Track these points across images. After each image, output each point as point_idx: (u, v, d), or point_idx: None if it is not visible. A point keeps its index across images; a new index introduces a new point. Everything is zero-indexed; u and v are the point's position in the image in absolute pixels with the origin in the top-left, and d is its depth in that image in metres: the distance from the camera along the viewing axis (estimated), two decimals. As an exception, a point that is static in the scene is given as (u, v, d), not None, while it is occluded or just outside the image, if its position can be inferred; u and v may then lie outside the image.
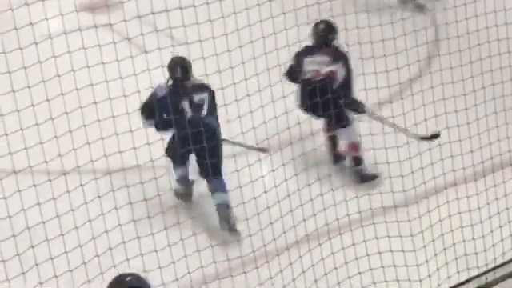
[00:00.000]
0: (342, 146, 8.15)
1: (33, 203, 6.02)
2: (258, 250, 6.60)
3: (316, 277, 6.60)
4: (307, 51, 8.06)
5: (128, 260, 6.19)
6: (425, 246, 6.80)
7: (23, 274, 5.91)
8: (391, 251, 6.77)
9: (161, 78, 7.29)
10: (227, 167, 6.96)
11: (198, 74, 7.24)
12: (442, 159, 7.21)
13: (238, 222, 7.19)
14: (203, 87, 7.43)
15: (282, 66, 6.99)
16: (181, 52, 7.41)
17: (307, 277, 6.59)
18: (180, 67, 7.43)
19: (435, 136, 7.69)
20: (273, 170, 7.11)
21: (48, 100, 6.10)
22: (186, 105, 7.37)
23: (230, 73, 6.57)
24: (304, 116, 7.66)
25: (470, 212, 6.99)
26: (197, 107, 7.39)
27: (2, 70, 6.10)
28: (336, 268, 6.64)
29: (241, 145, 7.49)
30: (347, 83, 7.97)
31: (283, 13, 6.94)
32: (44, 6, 6.22)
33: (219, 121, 7.46)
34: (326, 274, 6.61)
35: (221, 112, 7.25)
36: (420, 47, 7.60)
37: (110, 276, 6.02)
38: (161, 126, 7.30)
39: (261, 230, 6.61)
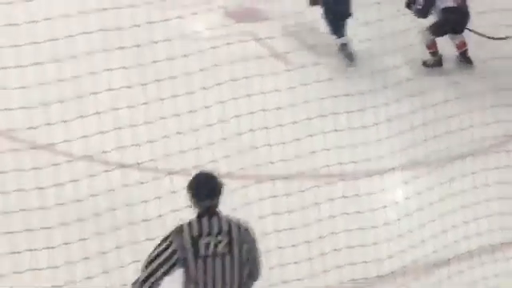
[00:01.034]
0: (457, 44, 9.72)
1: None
2: (396, 271, 6.43)
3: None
4: None
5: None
6: None
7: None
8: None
9: (304, 94, 7.29)
10: (365, 187, 6.92)
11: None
12: None
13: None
14: None
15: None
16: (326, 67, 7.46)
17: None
18: None
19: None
20: (418, 194, 6.96)
21: (175, 96, 6.20)
22: None
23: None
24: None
25: None
26: None
27: (133, 64, 6.29)
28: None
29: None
30: None
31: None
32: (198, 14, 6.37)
33: None
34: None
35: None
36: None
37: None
38: None
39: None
